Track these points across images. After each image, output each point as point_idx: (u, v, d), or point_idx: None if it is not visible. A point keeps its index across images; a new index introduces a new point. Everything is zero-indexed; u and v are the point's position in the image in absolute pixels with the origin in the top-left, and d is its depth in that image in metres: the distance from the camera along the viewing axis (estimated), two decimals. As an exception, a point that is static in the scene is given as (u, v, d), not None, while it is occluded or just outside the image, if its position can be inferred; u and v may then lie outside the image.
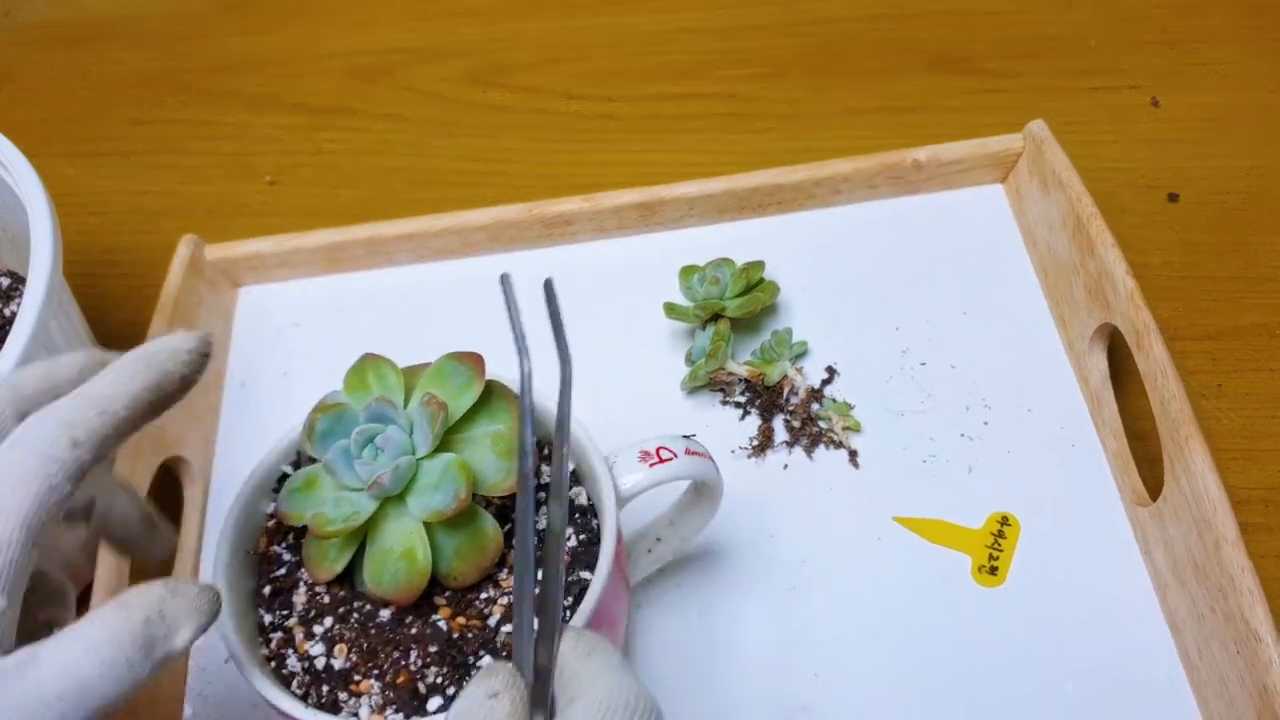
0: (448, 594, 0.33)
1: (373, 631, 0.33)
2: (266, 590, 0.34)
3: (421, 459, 0.33)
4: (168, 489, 0.45)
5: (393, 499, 0.32)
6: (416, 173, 0.60)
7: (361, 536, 0.32)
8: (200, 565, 0.44)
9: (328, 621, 0.33)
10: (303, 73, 0.67)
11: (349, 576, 0.34)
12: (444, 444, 0.33)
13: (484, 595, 0.33)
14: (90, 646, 0.25)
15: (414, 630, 0.33)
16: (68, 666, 0.24)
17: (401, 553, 0.31)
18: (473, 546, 0.32)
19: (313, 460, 0.34)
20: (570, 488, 0.36)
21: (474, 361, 0.34)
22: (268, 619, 0.34)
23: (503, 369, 0.35)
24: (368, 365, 0.35)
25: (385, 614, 0.33)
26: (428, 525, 0.32)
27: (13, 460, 0.26)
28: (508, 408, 0.35)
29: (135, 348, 0.29)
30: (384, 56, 0.67)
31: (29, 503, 0.25)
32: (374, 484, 0.31)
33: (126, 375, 0.28)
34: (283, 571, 0.34)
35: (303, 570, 0.34)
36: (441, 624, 0.33)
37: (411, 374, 0.35)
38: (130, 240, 0.59)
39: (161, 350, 0.29)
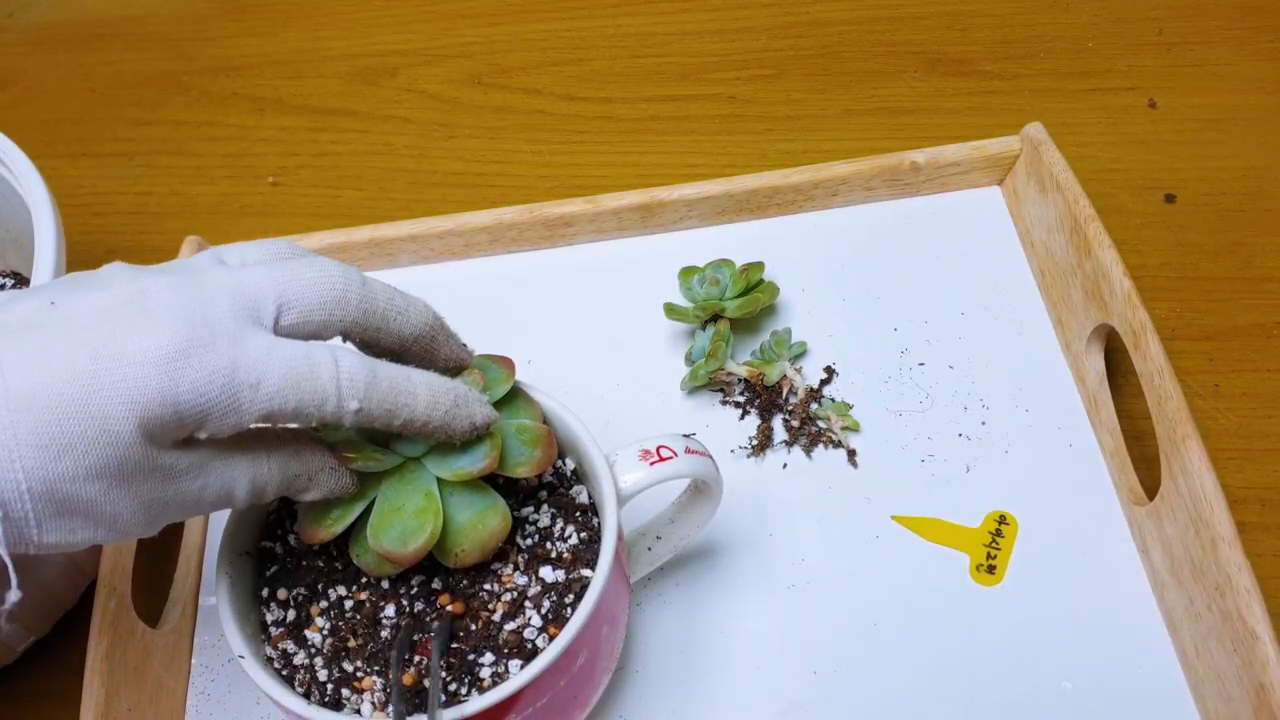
0: (449, 583, 0.34)
1: (375, 629, 0.33)
2: (268, 589, 0.34)
3: None
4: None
5: (412, 461, 0.32)
6: (418, 174, 0.61)
7: (369, 500, 0.32)
8: (203, 566, 0.45)
9: (331, 619, 0.33)
10: (305, 74, 0.67)
11: (349, 573, 0.34)
12: None
13: (485, 588, 0.33)
14: (251, 474, 0.29)
15: (415, 628, 0.33)
16: (226, 483, 0.28)
17: (413, 511, 0.31)
18: (482, 523, 0.32)
19: None
20: (572, 486, 0.36)
21: (505, 363, 0.35)
22: (270, 617, 0.34)
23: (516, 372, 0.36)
24: None
25: (389, 611, 0.33)
26: (443, 492, 0.32)
27: (318, 370, 0.27)
28: (530, 407, 0.35)
29: (454, 385, 0.31)
30: (386, 58, 0.67)
31: (290, 402, 0.27)
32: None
33: (428, 403, 0.29)
34: (284, 570, 0.35)
35: (303, 565, 0.34)
36: (441, 622, 0.33)
37: None
38: (133, 241, 0.59)
39: (463, 409, 0.30)
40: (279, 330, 0.28)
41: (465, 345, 0.33)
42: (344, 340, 0.30)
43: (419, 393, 0.29)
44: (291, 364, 0.27)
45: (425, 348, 0.32)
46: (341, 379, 0.27)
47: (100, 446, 0.25)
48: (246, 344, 0.27)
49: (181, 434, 0.27)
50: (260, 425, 0.28)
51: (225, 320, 0.27)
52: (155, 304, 0.26)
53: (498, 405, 0.34)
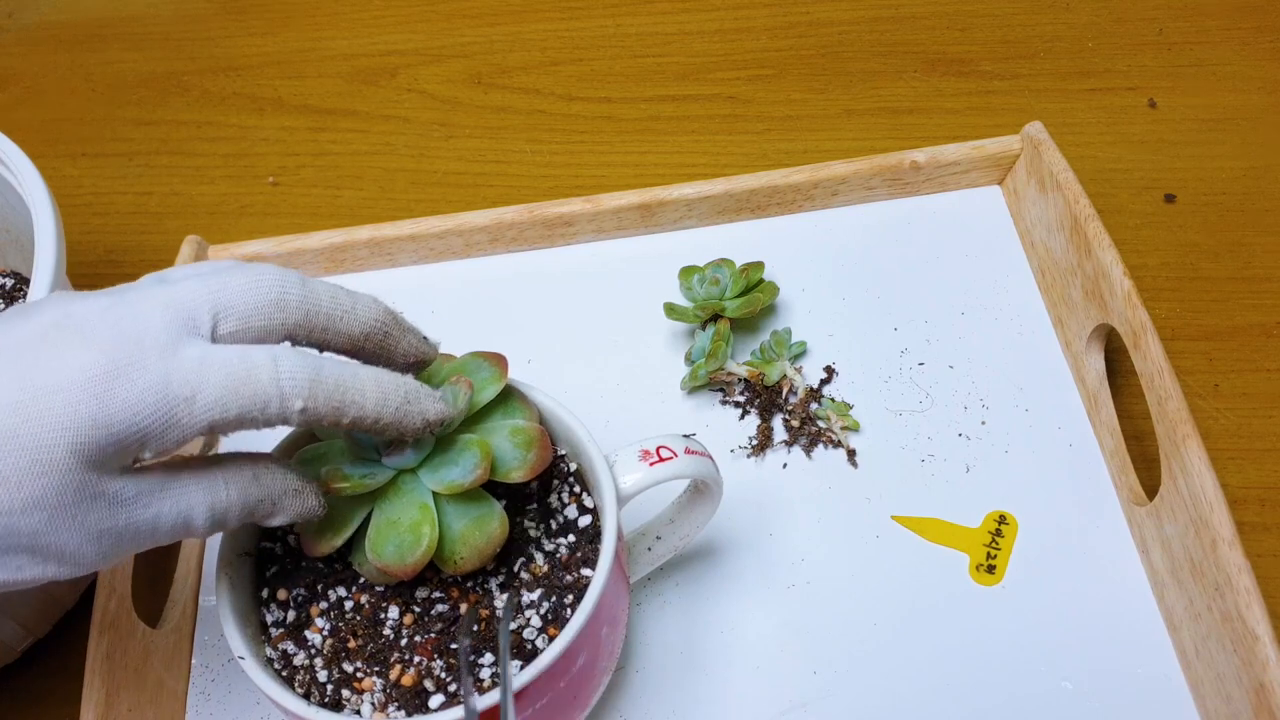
0: (448, 588, 0.34)
1: (375, 630, 0.33)
2: (268, 590, 0.34)
3: (441, 438, 0.33)
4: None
5: (407, 473, 0.32)
6: (418, 174, 0.61)
7: (367, 511, 0.32)
8: (203, 566, 0.45)
9: (331, 620, 0.33)
10: (305, 74, 0.67)
11: (348, 574, 0.34)
12: (463, 431, 0.33)
13: (485, 588, 0.33)
14: (209, 502, 0.28)
15: (416, 628, 0.33)
16: (184, 511, 0.27)
17: (409, 525, 0.31)
18: (479, 530, 0.32)
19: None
20: (572, 486, 0.36)
21: (497, 361, 0.35)
22: (270, 618, 0.34)
23: (511, 370, 0.35)
24: None
25: (390, 612, 0.33)
26: (439, 502, 0.32)
27: (256, 372, 0.26)
28: (524, 407, 0.35)
29: (404, 381, 0.30)
30: (385, 58, 0.67)
31: (231, 410, 0.26)
32: (395, 450, 0.31)
33: (377, 401, 0.29)
34: (284, 570, 0.35)
35: (303, 566, 0.34)
36: (443, 622, 0.33)
37: (433, 367, 0.35)
38: (133, 240, 0.59)
39: (415, 406, 0.29)
40: (218, 340, 0.27)
41: (426, 339, 0.32)
42: (293, 345, 0.29)
43: (367, 389, 0.28)
44: (227, 370, 0.26)
45: (379, 344, 0.30)
46: (282, 379, 0.27)
47: (34, 477, 0.24)
48: (179, 356, 0.26)
49: (126, 458, 0.26)
50: (218, 453, 0.28)
51: (157, 335, 0.26)
52: (83, 326, 0.26)
53: (490, 405, 0.34)
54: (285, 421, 0.27)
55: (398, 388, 0.29)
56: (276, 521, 0.30)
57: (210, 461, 0.29)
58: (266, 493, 0.29)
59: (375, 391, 0.29)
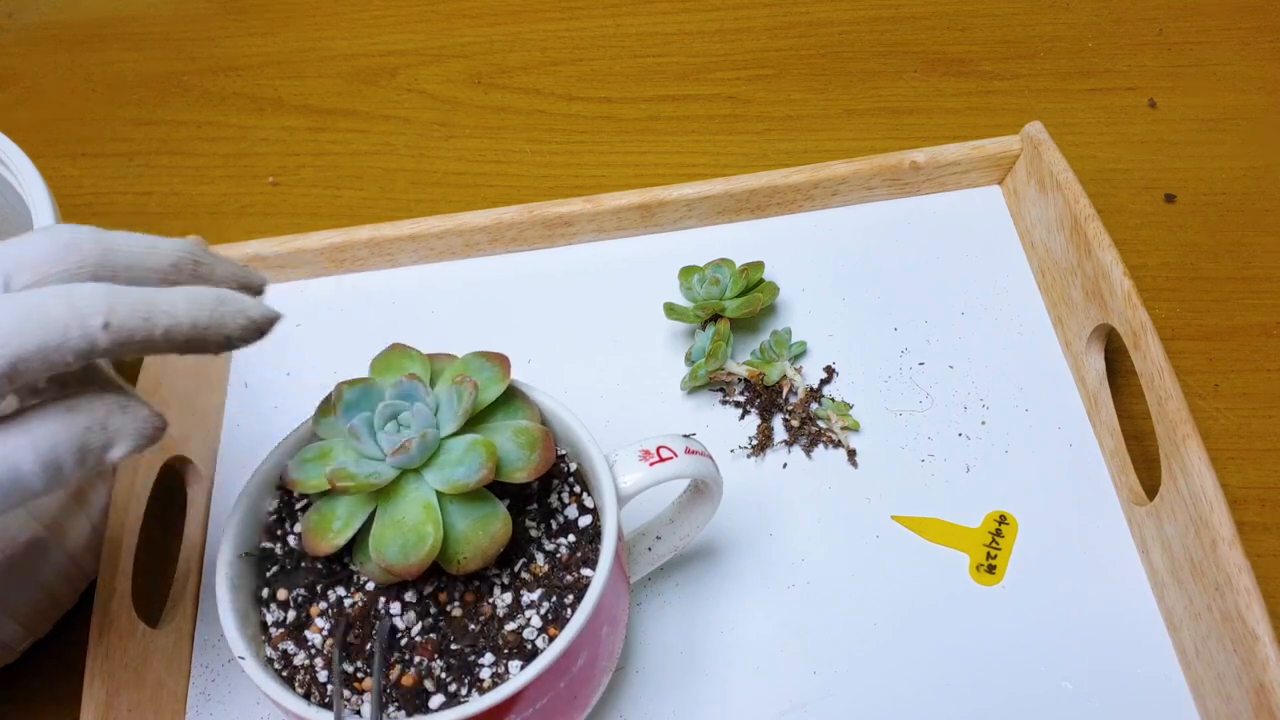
0: (449, 588, 0.34)
1: (375, 629, 0.33)
2: (268, 590, 0.34)
3: (445, 438, 0.33)
4: (171, 489, 0.46)
5: (411, 472, 0.32)
6: (418, 174, 0.61)
7: (370, 509, 0.32)
8: (204, 565, 0.45)
9: (331, 619, 0.33)
10: (305, 74, 0.67)
11: (349, 574, 0.34)
12: (466, 431, 0.33)
13: (485, 589, 0.33)
14: (30, 443, 0.25)
15: (416, 628, 0.33)
16: (6, 457, 0.25)
17: (414, 524, 0.31)
18: (483, 530, 0.32)
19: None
20: (573, 486, 0.36)
21: (499, 361, 0.35)
22: (270, 618, 0.34)
23: (512, 370, 0.35)
24: (395, 353, 0.35)
25: (390, 611, 0.33)
26: (442, 502, 0.32)
27: (47, 302, 0.25)
28: (526, 407, 0.35)
29: (214, 288, 0.28)
30: (385, 58, 0.67)
31: (29, 344, 0.25)
32: (400, 449, 0.31)
33: (186, 303, 0.27)
34: (284, 570, 0.35)
35: (303, 566, 0.34)
36: (443, 622, 0.33)
37: (436, 366, 0.35)
38: (133, 241, 0.59)
39: (231, 305, 0.28)
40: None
41: (245, 267, 0.30)
42: None
43: (175, 297, 0.27)
44: (19, 307, 0.25)
45: (191, 274, 0.29)
46: (77, 303, 0.25)
47: None
48: None
49: None
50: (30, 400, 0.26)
51: None
52: None
53: (492, 406, 0.34)
54: (94, 349, 0.25)
55: (209, 292, 0.28)
56: (120, 450, 0.27)
57: (21, 410, 0.27)
58: (90, 418, 0.27)
59: (184, 299, 0.27)
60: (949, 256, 0.51)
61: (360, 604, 0.33)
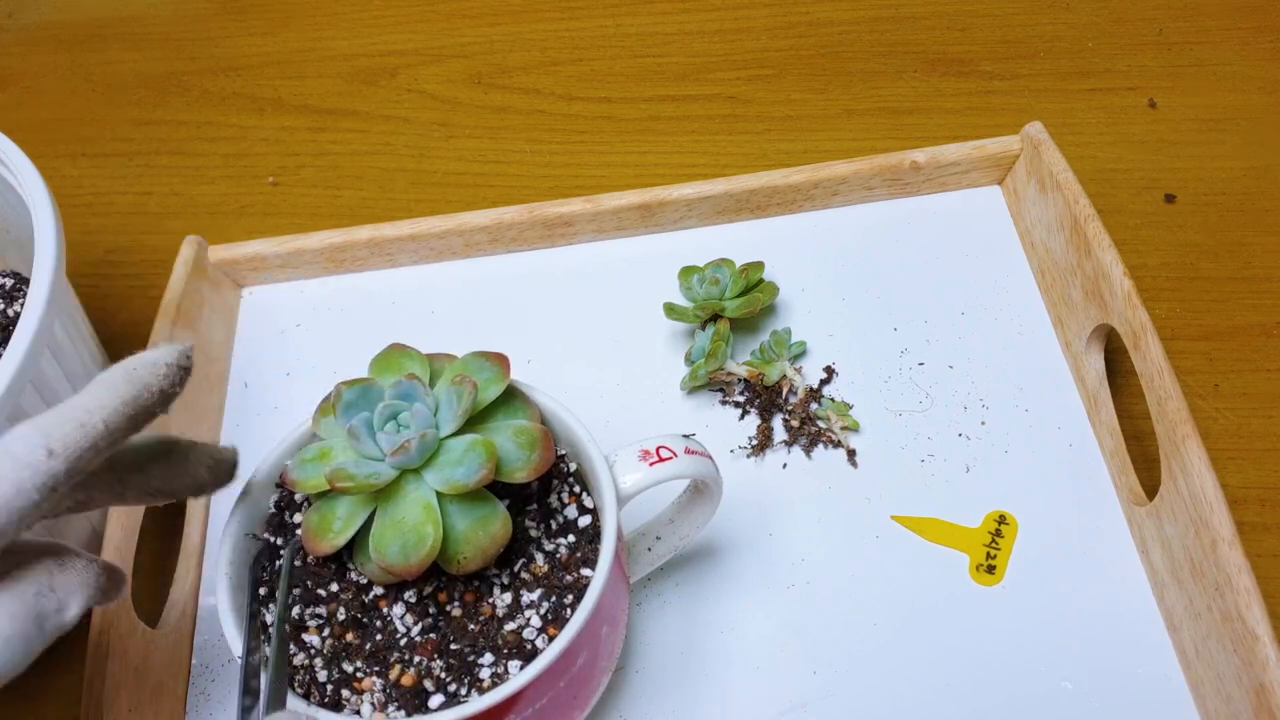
0: (449, 588, 0.34)
1: (375, 629, 0.33)
2: (267, 590, 0.34)
3: (445, 438, 0.33)
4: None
5: (411, 472, 0.32)
6: (418, 174, 0.61)
7: (370, 509, 0.32)
8: (203, 566, 0.45)
9: (330, 620, 0.33)
10: (305, 74, 0.67)
11: (348, 576, 0.34)
12: (466, 431, 0.33)
13: (485, 589, 0.33)
14: None
15: (416, 628, 0.33)
16: None
17: (413, 525, 0.31)
18: (483, 530, 0.32)
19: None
20: (573, 486, 0.36)
21: (499, 361, 0.35)
22: (269, 618, 0.34)
23: (511, 370, 0.35)
24: (394, 353, 0.35)
25: (390, 611, 0.33)
26: (442, 502, 0.32)
27: None
28: (526, 407, 0.35)
29: (117, 364, 0.29)
30: (385, 58, 0.67)
31: None
32: (400, 449, 0.31)
33: (106, 389, 0.28)
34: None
35: (303, 566, 0.34)
36: (443, 621, 0.33)
37: (435, 366, 0.35)
38: (133, 241, 0.59)
39: (141, 365, 0.29)
40: None
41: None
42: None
43: (90, 392, 0.27)
44: None
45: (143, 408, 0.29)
46: (12, 448, 0.26)
47: None
48: None
49: None
50: None
51: None
52: None
53: (492, 406, 0.34)
54: (55, 478, 0.26)
55: (114, 371, 0.28)
56: (74, 610, 0.28)
57: None
58: (37, 583, 0.28)
59: (98, 388, 0.28)
60: (949, 256, 0.51)
61: (366, 604, 0.33)
